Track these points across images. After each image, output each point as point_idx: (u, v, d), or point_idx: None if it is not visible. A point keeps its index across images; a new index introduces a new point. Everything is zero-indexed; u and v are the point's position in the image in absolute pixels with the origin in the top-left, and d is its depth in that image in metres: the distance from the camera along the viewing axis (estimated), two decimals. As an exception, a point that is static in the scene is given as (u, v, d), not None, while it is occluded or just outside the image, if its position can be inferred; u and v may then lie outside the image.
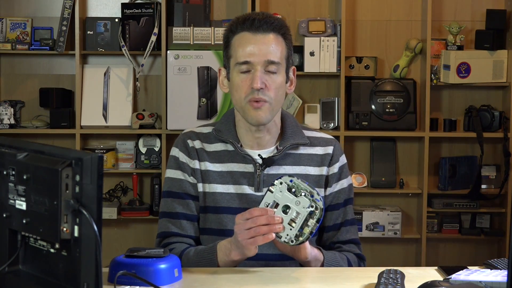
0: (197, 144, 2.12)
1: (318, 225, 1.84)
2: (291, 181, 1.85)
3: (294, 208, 1.83)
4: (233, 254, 1.91)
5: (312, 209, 1.83)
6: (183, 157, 2.11)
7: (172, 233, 2.10)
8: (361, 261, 2.16)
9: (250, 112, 2.03)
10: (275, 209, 1.84)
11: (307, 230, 1.84)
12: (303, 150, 2.13)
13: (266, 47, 2.01)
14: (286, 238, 1.84)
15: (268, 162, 2.08)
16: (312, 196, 1.83)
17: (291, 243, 1.84)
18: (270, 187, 1.85)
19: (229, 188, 2.08)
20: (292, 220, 1.83)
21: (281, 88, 2.05)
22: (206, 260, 1.97)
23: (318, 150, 2.14)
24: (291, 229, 1.83)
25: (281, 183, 1.85)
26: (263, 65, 2.01)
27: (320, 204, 1.83)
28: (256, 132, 2.09)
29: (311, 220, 1.83)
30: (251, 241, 1.83)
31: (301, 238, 1.84)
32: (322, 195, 1.95)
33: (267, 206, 1.84)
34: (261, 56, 2.01)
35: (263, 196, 1.87)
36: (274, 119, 2.09)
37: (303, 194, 1.83)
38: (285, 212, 1.84)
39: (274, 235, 1.82)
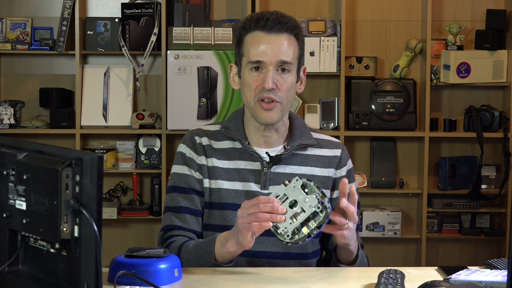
0: (204, 140, 2.13)
1: (318, 230, 1.83)
2: (306, 183, 1.85)
3: (301, 204, 1.84)
4: (229, 244, 1.90)
5: (318, 210, 1.83)
6: (189, 153, 2.12)
7: (175, 226, 2.10)
8: (368, 260, 2.17)
9: (260, 113, 2.04)
10: (283, 202, 1.84)
11: (305, 230, 1.83)
12: (310, 151, 2.14)
13: (279, 47, 2.01)
14: (283, 230, 1.83)
15: (275, 160, 2.09)
16: (322, 202, 1.84)
17: (287, 239, 1.83)
18: (285, 181, 1.86)
19: (236, 185, 2.09)
20: (295, 216, 1.84)
21: (292, 88, 2.06)
22: (204, 251, 1.97)
23: (326, 152, 2.15)
24: (290, 223, 1.83)
25: (297, 180, 1.85)
26: (275, 65, 2.02)
27: (328, 211, 1.84)
28: (264, 130, 2.10)
29: (312, 222, 1.83)
30: (248, 227, 1.82)
31: (296, 237, 1.83)
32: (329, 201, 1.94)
33: (276, 197, 1.85)
34: (273, 56, 2.01)
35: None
36: (283, 119, 2.10)
37: (314, 195, 1.84)
38: (291, 207, 1.84)
39: (271, 224, 1.82)
